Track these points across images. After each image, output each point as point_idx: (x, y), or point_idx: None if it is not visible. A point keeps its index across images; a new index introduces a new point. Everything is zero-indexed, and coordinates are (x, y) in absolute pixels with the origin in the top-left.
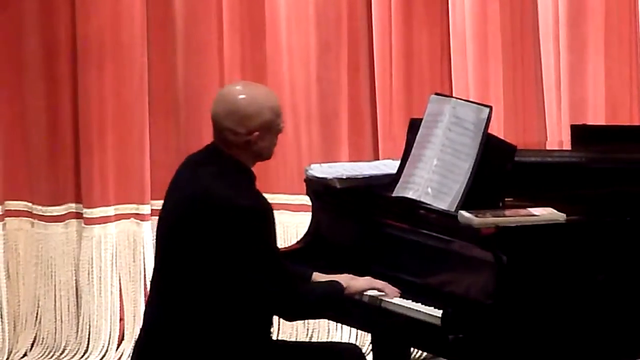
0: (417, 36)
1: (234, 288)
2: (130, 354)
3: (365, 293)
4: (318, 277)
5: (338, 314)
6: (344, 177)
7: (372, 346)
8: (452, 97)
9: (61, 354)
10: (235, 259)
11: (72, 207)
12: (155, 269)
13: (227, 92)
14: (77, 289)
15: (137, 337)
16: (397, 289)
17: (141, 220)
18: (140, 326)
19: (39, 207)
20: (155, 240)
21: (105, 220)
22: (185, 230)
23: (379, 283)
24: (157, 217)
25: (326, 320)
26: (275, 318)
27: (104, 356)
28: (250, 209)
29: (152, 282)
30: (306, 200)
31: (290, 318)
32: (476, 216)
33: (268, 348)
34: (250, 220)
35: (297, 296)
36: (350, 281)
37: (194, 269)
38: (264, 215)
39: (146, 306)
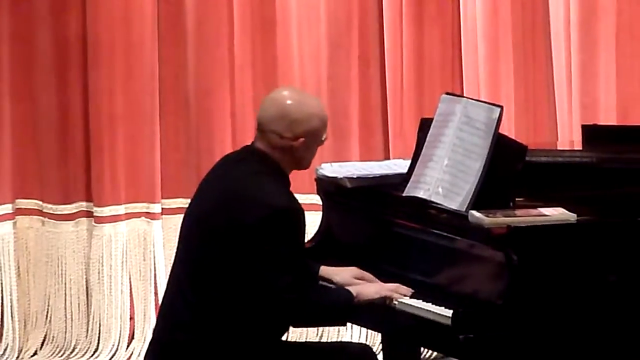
0: (428, 35)
1: (255, 289)
2: (141, 353)
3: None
4: (324, 271)
5: (347, 321)
6: (355, 176)
7: (382, 346)
8: (463, 96)
9: (71, 352)
10: (261, 258)
11: (82, 205)
12: (176, 265)
13: (277, 97)
14: (87, 288)
15: (151, 333)
16: (409, 289)
17: (152, 219)
18: (156, 317)
19: (50, 206)
20: (179, 236)
21: (115, 218)
22: (216, 227)
23: (388, 289)
24: (167, 216)
25: None
26: None
27: (114, 355)
28: (285, 209)
29: (171, 277)
30: (317, 199)
31: (297, 325)
32: (487, 216)
33: (279, 348)
34: (283, 220)
35: (308, 307)
36: (359, 289)
37: (221, 267)
38: (297, 217)
39: (163, 302)
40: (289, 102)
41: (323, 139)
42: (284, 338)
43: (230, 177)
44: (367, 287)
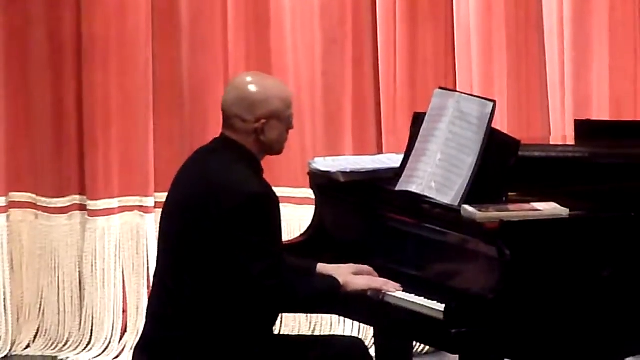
0: (421, 30)
1: (237, 278)
2: (133, 346)
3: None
4: (322, 268)
5: (334, 309)
6: (348, 170)
7: (375, 340)
8: (456, 91)
9: (64, 345)
10: (239, 245)
11: (76, 198)
12: (159, 259)
13: (237, 81)
14: (80, 281)
15: (142, 328)
16: (398, 284)
17: (145, 213)
18: (145, 316)
19: (43, 199)
20: (158, 231)
21: (109, 212)
22: (192, 217)
23: (378, 282)
24: (160, 210)
25: (328, 314)
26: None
27: (106, 348)
28: (260, 195)
29: (156, 272)
30: (310, 193)
31: (281, 311)
32: (479, 210)
33: (271, 342)
34: (259, 206)
35: (291, 293)
36: (348, 278)
37: (200, 257)
38: (273, 204)
39: (150, 297)
40: (248, 85)
41: (290, 120)
42: (275, 331)
43: (203, 168)
44: (356, 277)
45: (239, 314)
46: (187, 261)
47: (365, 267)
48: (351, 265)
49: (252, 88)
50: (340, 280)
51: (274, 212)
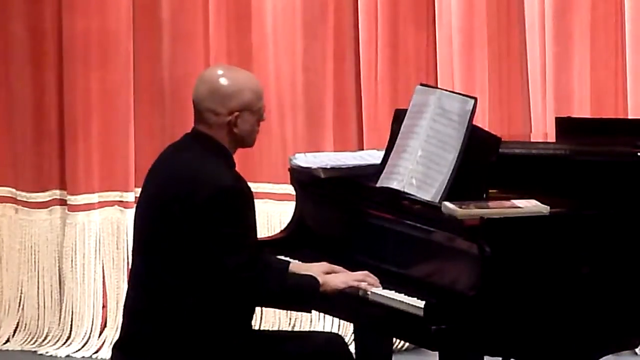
0: (402, 27)
1: (212, 272)
2: (113, 342)
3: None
4: (295, 267)
5: (312, 307)
6: (328, 166)
7: (355, 336)
8: (437, 88)
9: (44, 340)
10: (213, 239)
11: (56, 193)
12: (134, 256)
13: (208, 74)
14: (60, 276)
15: (120, 325)
16: (376, 279)
17: (125, 208)
18: (122, 314)
19: (23, 194)
20: (133, 228)
21: (89, 207)
22: (165, 212)
23: (357, 278)
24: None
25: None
26: (257, 308)
27: (86, 343)
28: (233, 189)
29: (131, 269)
30: (290, 189)
31: (256, 304)
32: (460, 207)
33: (249, 337)
34: (232, 200)
35: (268, 286)
36: (327, 278)
37: (175, 253)
38: (246, 197)
39: (127, 293)
40: (219, 78)
41: (262, 112)
42: (254, 327)
43: (175, 163)
44: (335, 276)
45: (215, 307)
46: (161, 256)
47: (338, 268)
48: (324, 264)
49: (224, 81)
50: (320, 280)
51: (247, 205)
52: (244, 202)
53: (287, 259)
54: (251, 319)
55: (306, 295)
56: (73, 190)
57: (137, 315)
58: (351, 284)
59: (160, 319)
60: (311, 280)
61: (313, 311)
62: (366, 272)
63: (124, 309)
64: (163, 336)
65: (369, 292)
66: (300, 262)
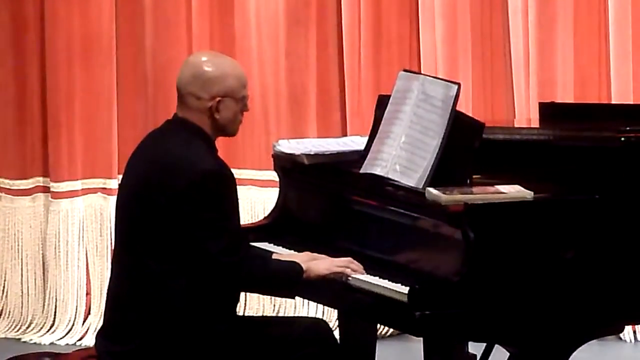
0: (385, 12)
1: (195, 258)
2: (97, 329)
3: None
4: (277, 257)
5: (295, 293)
6: (312, 153)
7: (339, 322)
8: (420, 73)
9: (27, 327)
10: (195, 224)
11: (39, 180)
12: (116, 244)
13: (192, 59)
14: (43, 263)
15: (103, 314)
16: (360, 266)
17: (108, 195)
18: (105, 302)
19: (6, 181)
20: (115, 216)
21: (72, 194)
22: (147, 197)
23: (340, 265)
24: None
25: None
26: (242, 294)
27: (70, 330)
28: (215, 173)
29: (113, 257)
30: (274, 175)
31: (240, 289)
32: (444, 193)
33: (233, 323)
34: (214, 184)
35: (250, 270)
36: (310, 264)
37: (158, 239)
38: (228, 181)
39: (110, 282)
40: (203, 63)
41: (245, 101)
42: (239, 313)
43: (156, 149)
44: (318, 263)
45: (199, 293)
46: (144, 243)
47: (321, 257)
48: (307, 253)
49: (207, 66)
50: (303, 265)
51: (229, 189)
52: (226, 186)
53: (270, 249)
54: (235, 304)
55: (289, 281)
56: (56, 177)
57: (121, 303)
58: (334, 270)
59: (144, 306)
60: (294, 265)
61: (297, 297)
62: (349, 258)
63: (107, 297)
64: (147, 323)
65: (350, 278)
66: (281, 254)
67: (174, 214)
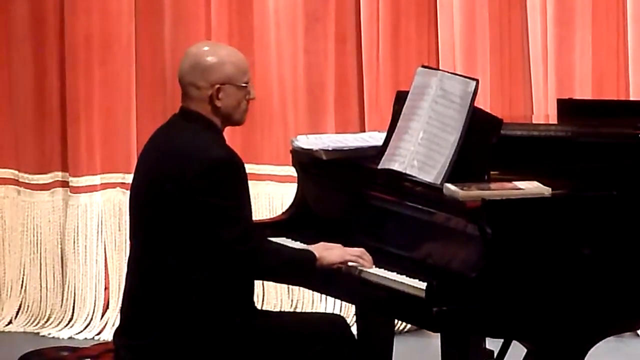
0: (404, 8)
1: (210, 248)
2: (115, 324)
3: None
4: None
5: (311, 282)
6: (330, 148)
7: (356, 318)
8: (438, 69)
9: (46, 322)
10: (208, 212)
11: (58, 175)
12: (132, 240)
13: (192, 50)
14: (62, 258)
15: (120, 307)
16: (371, 259)
17: (127, 190)
18: (122, 300)
19: (26, 175)
20: (129, 212)
21: (91, 189)
22: (160, 192)
23: (352, 254)
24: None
25: (311, 292)
26: (258, 287)
27: (88, 324)
28: (224, 161)
29: (130, 253)
30: (292, 171)
31: (255, 277)
32: (461, 189)
33: (251, 317)
34: (225, 172)
35: (264, 258)
36: (323, 252)
37: (173, 232)
38: (239, 169)
39: (126, 279)
40: (201, 53)
41: (249, 89)
42: (257, 307)
43: (165, 142)
44: (331, 251)
45: (215, 285)
46: (160, 237)
47: (336, 245)
48: (322, 243)
49: (206, 55)
50: (316, 253)
51: (240, 177)
52: (236, 174)
53: (288, 244)
54: (252, 295)
55: (303, 268)
56: (75, 172)
57: (138, 297)
58: (347, 258)
59: (160, 299)
60: (307, 253)
61: (315, 292)
62: (362, 249)
63: (123, 292)
64: (163, 316)
65: (369, 273)
66: (299, 244)
67: (186, 204)
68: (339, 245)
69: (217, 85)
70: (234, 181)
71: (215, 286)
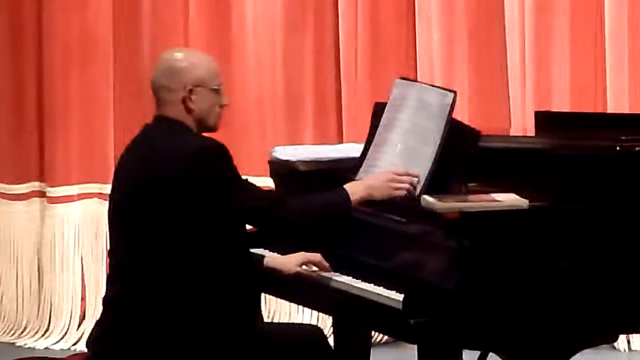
0: (382, 20)
1: (202, 250)
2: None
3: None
4: (272, 258)
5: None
6: (308, 159)
7: (333, 329)
8: (417, 81)
9: (22, 332)
10: (216, 195)
11: (35, 185)
12: (114, 250)
13: (164, 55)
14: (39, 268)
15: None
16: (328, 265)
17: (104, 200)
18: (101, 311)
19: (2, 185)
20: (108, 224)
21: (68, 199)
22: (146, 198)
23: (316, 258)
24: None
25: (288, 303)
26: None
27: (65, 335)
28: (210, 145)
29: (111, 263)
30: (270, 182)
31: (296, 231)
32: (439, 201)
33: (227, 327)
34: (213, 156)
35: (292, 207)
36: (354, 188)
37: (163, 236)
38: (227, 151)
39: (107, 290)
40: (174, 57)
41: (220, 93)
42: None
43: (142, 149)
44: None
45: (206, 286)
46: (147, 243)
47: (315, 256)
48: (299, 254)
49: (177, 59)
50: (348, 190)
51: (229, 158)
52: (228, 156)
53: (264, 252)
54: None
55: (333, 211)
56: (52, 182)
57: (124, 309)
58: (309, 258)
59: (153, 306)
60: (339, 190)
61: (291, 303)
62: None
63: (103, 300)
64: (158, 322)
65: (348, 285)
66: (276, 255)
67: (181, 205)
68: (319, 255)
69: (190, 87)
70: (228, 161)
71: (205, 289)
